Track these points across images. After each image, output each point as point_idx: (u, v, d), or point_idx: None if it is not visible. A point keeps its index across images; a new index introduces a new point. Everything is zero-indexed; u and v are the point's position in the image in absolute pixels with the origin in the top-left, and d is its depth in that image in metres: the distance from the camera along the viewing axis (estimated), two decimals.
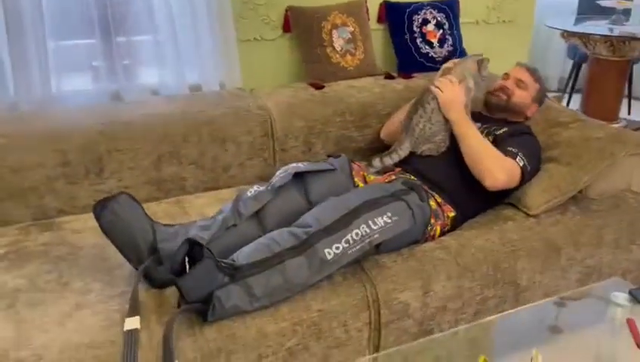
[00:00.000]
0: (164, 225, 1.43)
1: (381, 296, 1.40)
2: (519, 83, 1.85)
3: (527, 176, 1.68)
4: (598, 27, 3.47)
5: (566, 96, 4.24)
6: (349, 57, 2.18)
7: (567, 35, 3.52)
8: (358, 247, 1.38)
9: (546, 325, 1.33)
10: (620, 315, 1.18)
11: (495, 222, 1.66)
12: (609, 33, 3.30)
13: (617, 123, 3.56)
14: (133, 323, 1.22)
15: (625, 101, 3.82)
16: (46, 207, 1.70)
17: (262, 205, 1.50)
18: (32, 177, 1.66)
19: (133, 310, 1.25)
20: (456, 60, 1.84)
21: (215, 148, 1.87)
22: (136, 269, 1.34)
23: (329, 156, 1.76)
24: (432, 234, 1.59)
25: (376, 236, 1.40)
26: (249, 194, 1.52)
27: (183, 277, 1.19)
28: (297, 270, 1.32)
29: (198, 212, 1.72)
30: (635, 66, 3.93)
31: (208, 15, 2.05)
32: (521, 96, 1.86)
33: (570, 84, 4.24)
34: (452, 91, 1.70)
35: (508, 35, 2.66)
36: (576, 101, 4.02)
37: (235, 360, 1.26)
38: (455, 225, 1.66)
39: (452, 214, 1.64)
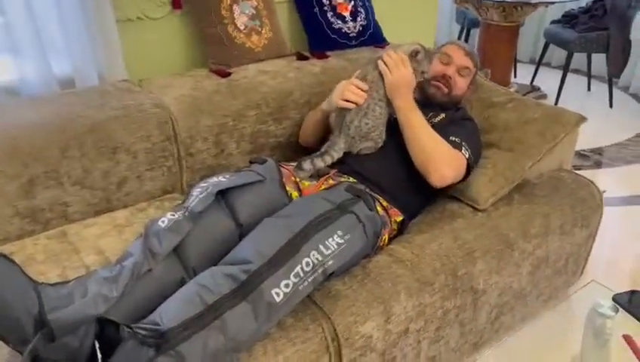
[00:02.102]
0: (53, 284, 1.07)
1: (341, 333, 1.17)
2: (462, 70, 1.67)
3: (472, 168, 1.54)
4: None
5: None
6: (255, 37, 1.87)
7: (459, 0, 3.47)
8: (310, 280, 1.14)
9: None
10: (608, 329, 1.06)
11: (444, 221, 1.50)
12: None
13: (510, 87, 3.61)
14: None
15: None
16: None
17: (181, 238, 1.19)
18: None
19: None
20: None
21: (104, 161, 1.49)
22: (20, 352, 0.98)
23: (252, 162, 1.47)
24: (381, 244, 1.38)
25: (330, 263, 1.17)
26: (162, 224, 1.19)
27: None
28: (241, 322, 1.04)
29: (92, 246, 1.36)
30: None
31: None
32: (463, 87, 1.68)
33: None
34: (402, 73, 1.46)
35: (415, 3, 2.49)
36: None
37: None
38: (401, 228, 1.47)
39: (399, 218, 1.45)
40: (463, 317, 1.42)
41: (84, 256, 1.32)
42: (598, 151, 3.03)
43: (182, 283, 1.15)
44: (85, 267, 1.28)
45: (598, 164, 2.89)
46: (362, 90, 1.48)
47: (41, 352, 0.98)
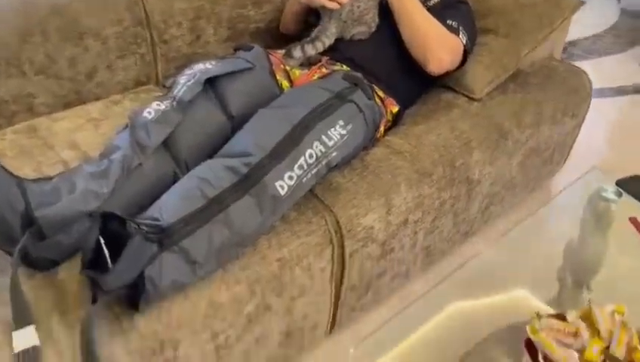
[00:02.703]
0: (36, 180, 0.97)
1: (343, 225, 1.15)
2: None
3: (468, 54, 1.46)
4: None
5: None
6: None
7: None
8: (313, 172, 1.08)
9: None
10: (612, 213, 1.06)
11: (439, 112, 1.45)
12: None
13: None
14: (26, 337, 0.83)
15: None
16: None
17: (170, 130, 1.09)
18: None
19: (22, 317, 0.85)
20: None
21: (70, 47, 1.34)
22: (9, 254, 0.90)
23: (237, 49, 1.34)
24: (377, 136, 1.33)
25: (333, 155, 1.11)
26: (148, 116, 1.09)
27: (106, 275, 0.80)
28: (245, 216, 0.99)
29: (66, 140, 1.25)
30: None
31: None
32: None
33: None
34: None
35: None
36: None
37: (185, 349, 0.95)
38: (396, 120, 1.41)
39: (395, 109, 1.39)
40: (457, 208, 1.41)
41: (59, 151, 1.21)
42: (573, 43, 2.99)
43: (174, 177, 1.08)
44: (62, 162, 1.17)
45: (571, 56, 2.86)
46: None
47: (31, 251, 0.91)
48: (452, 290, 1.15)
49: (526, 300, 1.15)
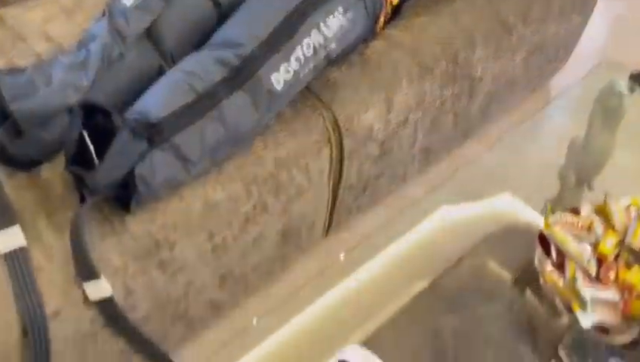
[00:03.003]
0: (8, 72, 0.88)
1: (342, 123, 1.09)
2: None
3: None
4: None
5: None
6: None
7: None
8: (311, 66, 1.00)
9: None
10: (625, 107, 1.01)
11: (442, 3, 1.34)
12: None
13: None
14: (12, 237, 0.79)
15: None
16: None
17: (152, 18, 0.99)
18: None
19: (4, 215, 0.80)
20: None
21: None
22: None
23: None
24: (377, 29, 1.24)
25: (332, 46, 1.03)
26: (127, 3, 0.98)
27: (93, 172, 0.74)
28: (240, 112, 0.92)
29: (39, 31, 1.13)
30: None
31: None
32: None
33: None
34: None
35: None
36: None
37: (181, 250, 0.92)
38: (395, 14, 1.31)
39: (396, 1, 1.28)
40: (458, 107, 1.35)
41: (32, 44, 1.10)
42: None
43: (160, 71, 1.00)
44: (36, 55, 1.07)
45: None
46: None
47: (8, 147, 0.84)
48: (448, 194, 1.13)
49: (522, 203, 1.13)
